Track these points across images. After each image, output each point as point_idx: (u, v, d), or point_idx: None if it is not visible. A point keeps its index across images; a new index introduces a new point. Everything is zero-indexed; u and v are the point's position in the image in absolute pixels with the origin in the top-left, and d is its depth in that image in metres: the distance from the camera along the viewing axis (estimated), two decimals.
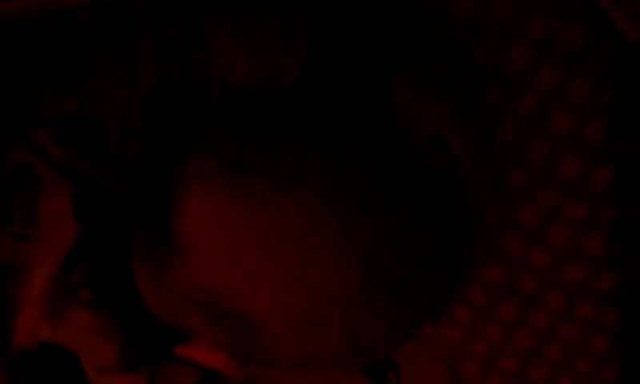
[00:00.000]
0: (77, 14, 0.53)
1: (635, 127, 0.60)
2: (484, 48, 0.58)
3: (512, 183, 0.63)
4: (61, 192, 0.54)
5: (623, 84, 0.59)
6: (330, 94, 0.52)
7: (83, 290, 0.55)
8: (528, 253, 0.65)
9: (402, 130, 0.51)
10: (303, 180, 0.48)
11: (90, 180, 0.54)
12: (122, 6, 0.53)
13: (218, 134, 0.51)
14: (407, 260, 0.50)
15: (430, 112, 0.52)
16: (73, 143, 0.54)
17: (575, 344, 0.69)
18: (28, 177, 0.54)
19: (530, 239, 0.65)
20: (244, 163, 0.49)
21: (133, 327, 0.57)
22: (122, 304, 0.57)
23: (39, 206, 0.54)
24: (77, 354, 0.57)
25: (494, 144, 0.61)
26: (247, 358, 0.54)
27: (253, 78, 0.53)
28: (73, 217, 0.54)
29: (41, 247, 0.55)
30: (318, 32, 0.52)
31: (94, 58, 0.53)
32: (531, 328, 0.69)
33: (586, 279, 0.66)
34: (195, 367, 0.61)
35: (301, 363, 0.53)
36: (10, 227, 0.54)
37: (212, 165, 0.50)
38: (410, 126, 0.51)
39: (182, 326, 0.53)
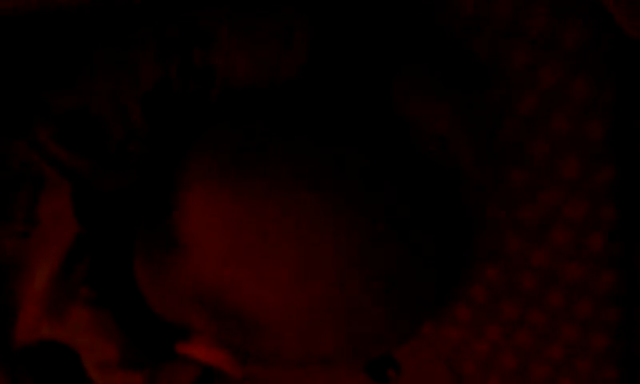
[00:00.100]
0: (77, 13, 0.53)
1: (636, 126, 0.60)
2: (484, 48, 0.58)
3: (512, 183, 0.63)
4: (62, 190, 0.54)
5: (624, 83, 0.59)
6: (330, 94, 0.52)
7: (84, 287, 0.55)
8: (528, 252, 0.65)
9: (402, 129, 0.52)
10: (303, 180, 0.48)
11: (90, 178, 0.54)
12: (123, 5, 0.53)
13: (219, 133, 0.51)
14: (407, 259, 0.50)
15: (431, 112, 0.52)
16: (74, 142, 0.54)
17: (575, 343, 0.69)
18: (30, 175, 0.54)
19: (530, 238, 0.65)
20: (244, 163, 0.49)
21: (133, 325, 0.57)
22: (123, 302, 0.57)
23: (40, 204, 0.54)
24: (77, 351, 0.57)
25: (495, 144, 0.61)
26: (247, 356, 0.54)
27: (253, 78, 0.53)
28: (74, 214, 0.54)
29: (42, 245, 0.55)
30: (318, 32, 0.52)
31: (94, 56, 0.53)
32: (531, 327, 0.69)
33: (587, 278, 0.66)
34: (195, 365, 0.61)
35: (301, 361, 0.53)
36: (12, 225, 0.54)
37: (212, 164, 0.50)
38: (410, 125, 0.51)
39: (182, 323, 0.54)
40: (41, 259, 0.55)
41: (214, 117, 0.53)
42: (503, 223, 0.64)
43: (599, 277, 0.65)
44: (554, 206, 0.63)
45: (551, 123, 0.60)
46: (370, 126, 0.51)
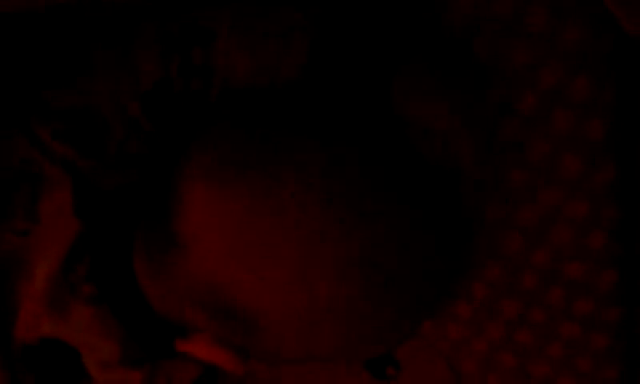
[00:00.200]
0: (77, 12, 0.53)
1: (636, 126, 0.60)
2: (484, 48, 0.57)
3: (512, 182, 0.62)
4: (62, 188, 0.54)
5: (624, 82, 0.58)
6: (330, 94, 0.52)
7: (84, 285, 0.56)
8: (529, 251, 0.65)
9: (402, 129, 0.52)
10: (303, 180, 0.48)
11: (91, 176, 0.55)
12: (123, 5, 0.53)
13: (219, 133, 0.51)
14: (407, 259, 0.50)
15: (430, 112, 0.52)
16: (75, 140, 0.54)
17: (575, 342, 0.69)
18: (30, 173, 0.54)
19: (530, 237, 0.65)
20: (244, 162, 0.49)
21: (134, 323, 0.57)
22: (123, 300, 0.57)
23: (41, 201, 0.54)
24: (78, 349, 0.57)
25: (495, 143, 0.61)
26: (248, 354, 0.54)
27: (253, 78, 0.53)
28: (74, 212, 0.55)
29: (42, 243, 0.55)
30: (317, 32, 0.52)
31: (94, 56, 0.53)
32: (532, 326, 0.69)
33: (587, 277, 0.66)
34: (196, 363, 0.61)
35: (301, 359, 0.53)
36: (12, 223, 0.55)
37: (212, 164, 0.50)
38: (410, 125, 0.51)
39: (183, 321, 0.54)
40: (41, 257, 0.55)
41: (214, 116, 0.53)
42: (504, 223, 0.64)
43: (599, 276, 0.65)
44: (555, 205, 0.63)
45: (551, 123, 0.60)
46: (370, 126, 0.51)
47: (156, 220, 0.52)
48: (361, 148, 0.50)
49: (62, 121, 0.53)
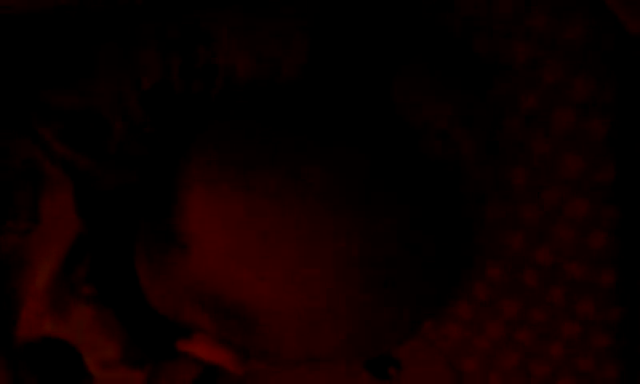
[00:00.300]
0: (79, 13, 0.53)
1: (637, 125, 0.60)
2: (484, 47, 0.57)
3: (513, 181, 0.62)
4: (64, 188, 0.54)
5: (625, 81, 0.58)
6: (331, 94, 0.52)
7: (86, 285, 0.56)
8: (530, 250, 0.65)
9: (402, 129, 0.52)
10: (303, 180, 0.48)
11: (92, 176, 0.55)
12: (124, 6, 0.53)
13: (219, 133, 0.52)
14: (407, 259, 0.50)
15: (431, 112, 0.52)
16: (76, 140, 0.54)
17: (576, 342, 0.69)
18: (31, 173, 0.54)
19: (531, 237, 0.65)
20: (244, 163, 0.49)
21: (135, 323, 0.57)
22: (125, 300, 0.57)
23: (42, 201, 0.54)
24: (79, 348, 0.57)
25: (495, 143, 0.61)
26: (248, 354, 0.54)
27: (253, 78, 0.53)
28: (75, 212, 0.55)
29: (43, 243, 0.55)
30: (318, 32, 0.52)
31: (95, 57, 0.53)
32: (532, 325, 0.69)
33: (588, 277, 0.66)
34: (196, 363, 0.61)
35: (302, 359, 0.53)
36: (15, 222, 0.55)
37: (212, 164, 0.50)
38: (410, 125, 0.51)
39: (183, 321, 0.54)
40: (43, 256, 0.55)
41: (214, 117, 0.53)
42: (504, 222, 0.64)
43: (600, 276, 0.65)
44: (555, 204, 0.63)
45: (552, 122, 0.60)
46: (371, 126, 0.51)
47: (156, 220, 0.52)
48: (361, 148, 0.50)
49: (62, 121, 0.54)
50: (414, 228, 0.50)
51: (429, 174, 0.51)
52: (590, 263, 0.65)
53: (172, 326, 0.56)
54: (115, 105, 0.54)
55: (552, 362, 0.70)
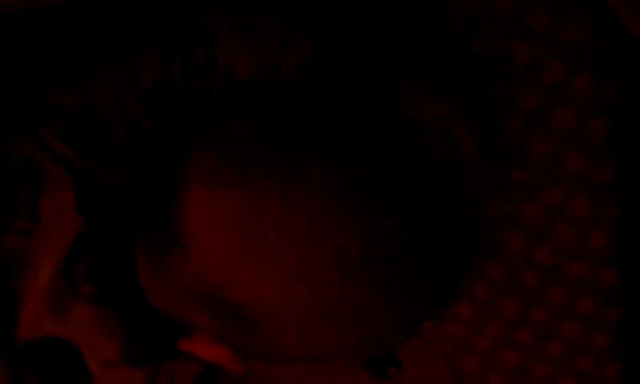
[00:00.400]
0: (77, 12, 0.53)
1: (637, 125, 0.60)
2: (484, 47, 0.57)
3: (513, 181, 0.63)
4: (64, 188, 0.55)
5: (625, 82, 0.58)
6: (331, 94, 0.52)
7: (86, 285, 0.56)
8: (530, 249, 0.66)
9: (402, 129, 0.52)
10: (303, 180, 0.48)
11: (93, 175, 0.55)
12: (123, 4, 0.53)
13: (219, 132, 0.52)
14: (407, 259, 0.50)
15: (431, 112, 0.52)
16: (76, 139, 0.54)
17: (576, 341, 0.69)
18: (30, 172, 0.54)
19: (532, 236, 0.65)
20: (245, 162, 0.49)
21: (135, 322, 0.57)
22: (125, 299, 0.57)
23: (42, 200, 0.54)
24: (79, 348, 0.57)
25: (496, 143, 0.61)
26: (249, 353, 0.54)
27: (253, 78, 0.53)
28: (76, 211, 0.55)
29: (44, 242, 0.55)
30: (318, 32, 0.52)
31: (94, 56, 0.53)
32: (533, 325, 0.69)
33: (588, 276, 0.66)
34: (197, 362, 0.61)
35: (301, 359, 0.53)
36: (15, 222, 0.55)
37: (212, 164, 0.50)
38: (410, 125, 0.51)
39: (183, 320, 0.54)
40: (43, 256, 0.55)
41: (214, 116, 0.53)
42: (505, 222, 0.64)
43: (600, 276, 0.65)
44: (555, 204, 0.63)
45: (552, 122, 0.60)
46: (371, 126, 0.51)
47: (156, 220, 0.52)
48: (361, 148, 0.50)
49: (62, 121, 0.54)
50: (414, 228, 0.50)
51: (429, 174, 0.51)
52: (590, 263, 0.65)
53: (172, 325, 0.56)
54: (115, 104, 0.54)
55: (552, 362, 0.70)
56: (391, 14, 0.55)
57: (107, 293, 0.56)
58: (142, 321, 0.57)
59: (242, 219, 0.48)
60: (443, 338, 0.72)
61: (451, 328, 0.71)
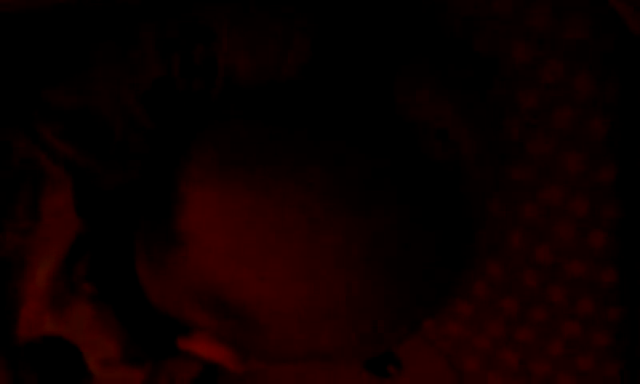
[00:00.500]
0: (77, 11, 0.53)
1: (637, 125, 0.60)
2: (484, 47, 0.57)
3: (514, 181, 0.63)
4: (64, 187, 0.55)
5: (626, 81, 0.58)
6: (331, 94, 0.52)
7: (86, 284, 0.56)
8: (530, 248, 0.66)
9: (402, 129, 0.52)
10: (304, 179, 0.48)
11: (93, 174, 0.55)
12: (122, 4, 0.53)
13: (219, 132, 0.52)
14: (407, 258, 0.50)
15: (432, 111, 0.52)
16: (77, 138, 0.54)
17: (576, 340, 0.69)
18: (30, 172, 0.54)
19: (531, 235, 0.65)
20: (244, 161, 0.49)
21: (135, 321, 0.57)
22: (125, 298, 0.57)
23: (42, 200, 0.54)
24: (79, 347, 0.57)
25: (496, 142, 0.61)
26: (249, 352, 0.54)
27: (253, 78, 0.53)
28: (75, 211, 0.55)
29: (43, 242, 0.55)
30: (318, 32, 0.52)
31: (93, 55, 0.53)
32: (532, 324, 0.69)
33: (588, 275, 0.66)
34: (197, 361, 0.61)
35: (301, 358, 0.54)
36: (15, 221, 0.55)
37: (212, 163, 0.50)
38: (411, 125, 0.51)
39: (183, 319, 0.54)
40: (43, 255, 0.55)
41: (214, 116, 0.53)
42: (505, 221, 0.64)
43: (600, 275, 0.65)
44: (555, 204, 0.63)
45: (553, 121, 0.60)
46: (371, 126, 0.51)
47: (156, 219, 0.52)
48: (361, 148, 0.50)
49: (62, 121, 0.54)
50: (414, 228, 0.50)
51: (429, 174, 0.51)
52: (590, 262, 0.65)
53: (172, 324, 0.56)
54: (114, 104, 0.54)
55: (552, 361, 0.70)
56: (391, 14, 0.55)
57: (107, 292, 0.56)
58: (141, 320, 0.57)
59: (241, 219, 0.48)
60: (443, 337, 0.72)
61: (451, 327, 0.71)
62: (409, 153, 0.51)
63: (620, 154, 0.60)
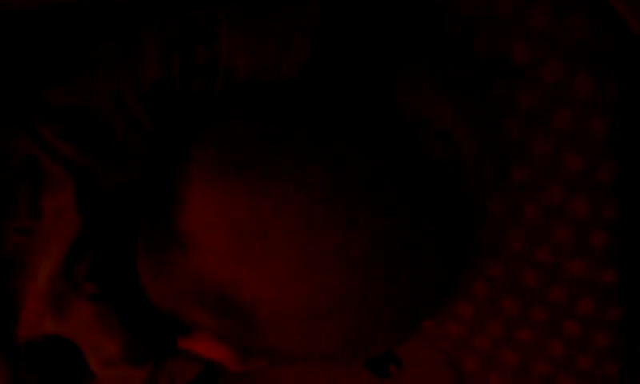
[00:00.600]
0: (77, 11, 0.53)
1: (638, 125, 0.60)
2: (484, 47, 0.57)
3: (514, 180, 0.63)
4: (64, 187, 0.55)
5: (626, 81, 0.58)
6: (331, 94, 0.52)
7: (87, 283, 0.56)
8: (530, 248, 0.65)
9: (403, 129, 0.52)
10: (303, 179, 0.48)
11: (93, 174, 0.55)
12: (122, 3, 0.53)
13: (219, 132, 0.52)
14: (407, 259, 0.50)
15: (432, 112, 0.52)
16: (77, 138, 0.54)
17: (576, 340, 0.69)
18: (30, 172, 0.54)
19: (532, 235, 0.65)
20: (244, 161, 0.49)
21: (136, 321, 0.57)
22: (126, 298, 0.57)
23: (43, 199, 0.55)
24: (80, 347, 0.57)
25: (496, 142, 0.61)
26: (249, 352, 0.54)
27: (253, 78, 0.53)
28: (76, 210, 0.55)
29: (44, 241, 0.55)
30: (318, 32, 0.52)
31: (93, 55, 0.53)
32: (533, 324, 0.69)
33: (588, 275, 0.66)
34: (197, 360, 0.61)
35: (301, 358, 0.54)
36: (15, 221, 0.55)
37: (212, 163, 0.50)
38: (411, 125, 0.52)
39: (184, 318, 0.54)
40: (43, 255, 0.55)
41: (214, 116, 0.53)
42: (505, 220, 0.64)
43: (600, 275, 0.65)
44: (556, 204, 0.63)
45: (553, 121, 0.60)
46: (371, 126, 0.51)
47: (156, 219, 0.53)
48: (361, 148, 0.50)
49: (63, 120, 0.54)
50: (414, 228, 0.50)
51: (429, 174, 0.51)
52: (590, 262, 0.65)
53: (173, 323, 0.56)
54: (115, 104, 0.54)
55: (552, 361, 0.70)
56: (391, 14, 0.55)
57: (108, 292, 0.56)
58: (142, 320, 0.57)
59: (241, 219, 0.48)
60: (443, 337, 0.72)
61: (451, 328, 0.71)
62: (409, 153, 0.51)
63: (620, 154, 0.60)
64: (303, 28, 0.52)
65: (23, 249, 0.55)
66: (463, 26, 0.57)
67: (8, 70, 0.54)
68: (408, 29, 0.56)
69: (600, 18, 0.56)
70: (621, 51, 0.57)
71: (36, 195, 0.54)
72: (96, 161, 0.54)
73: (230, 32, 0.52)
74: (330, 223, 0.48)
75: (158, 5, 0.53)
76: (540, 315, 0.68)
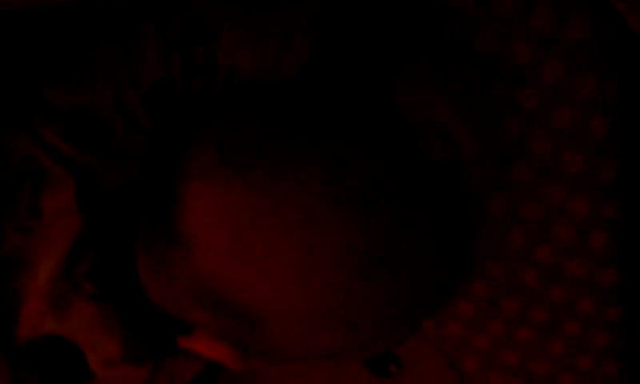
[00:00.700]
0: (77, 11, 0.53)
1: (638, 124, 0.60)
2: (484, 47, 0.57)
3: (514, 180, 0.63)
4: (65, 186, 0.55)
5: (627, 79, 0.58)
6: (331, 94, 0.52)
7: (87, 283, 0.56)
8: (530, 248, 0.66)
9: (403, 129, 0.52)
10: (303, 179, 0.48)
11: (94, 174, 0.55)
12: (123, 3, 0.53)
13: (219, 131, 0.52)
14: (407, 259, 0.50)
15: (432, 112, 0.52)
16: (77, 138, 0.54)
17: (576, 340, 0.69)
18: (30, 171, 0.54)
19: (532, 235, 0.65)
20: (244, 161, 0.49)
21: (136, 320, 0.57)
22: (126, 297, 0.57)
23: (44, 199, 0.55)
24: (80, 346, 0.57)
25: (496, 142, 0.61)
26: (249, 351, 0.54)
27: (253, 78, 0.53)
28: (77, 210, 0.55)
29: (45, 240, 0.55)
30: (318, 32, 0.52)
31: (94, 55, 0.53)
32: (533, 323, 0.69)
33: (588, 275, 0.66)
34: (197, 360, 0.61)
35: (302, 357, 0.54)
36: (15, 221, 0.55)
37: (212, 163, 0.50)
38: (411, 125, 0.52)
39: (184, 318, 0.54)
40: (44, 255, 0.55)
41: (214, 116, 0.53)
42: (505, 220, 0.64)
43: (600, 275, 0.65)
44: (556, 203, 0.63)
45: (553, 121, 0.60)
46: (371, 126, 0.51)
47: (156, 219, 0.53)
48: (361, 148, 0.50)
49: (63, 120, 0.54)
50: (414, 228, 0.50)
51: (429, 174, 0.51)
52: (590, 262, 0.65)
53: (173, 323, 0.56)
54: (115, 104, 0.54)
55: (552, 360, 0.70)
56: (391, 14, 0.55)
57: (108, 291, 0.56)
58: (142, 319, 0.57)
59: (241, 219, 0.49)
60: (443, 337, 0.72)
61: (451, 327, 0.71)
62: (409, 153, 0.51)
63: (620, 154, 0.60)
64: (303, 28, 0.52)
65: (23, 248, 0.55)
66: (463, 26, 0.57)
67: (8, 70, 0.54)
68: (408, 29, 0.56)
69: (600, 18, 0.56)
70: (621, 51, 0.57)
71: (36, 195, 0.54)
72: (96, 160, 0.55)
73: (230, 32, 0.52)
74: (330, 223, 0.48)
75: (158, 5, 0.53)
76: (540, 315, 0.68)
